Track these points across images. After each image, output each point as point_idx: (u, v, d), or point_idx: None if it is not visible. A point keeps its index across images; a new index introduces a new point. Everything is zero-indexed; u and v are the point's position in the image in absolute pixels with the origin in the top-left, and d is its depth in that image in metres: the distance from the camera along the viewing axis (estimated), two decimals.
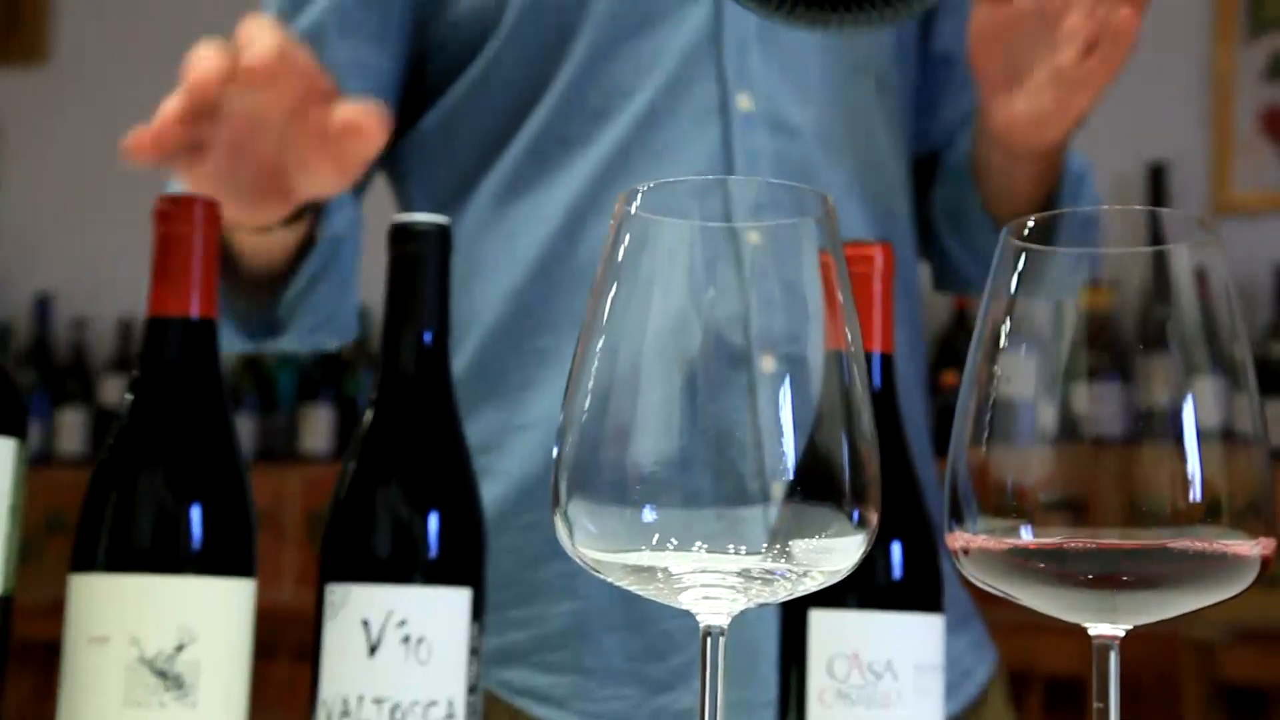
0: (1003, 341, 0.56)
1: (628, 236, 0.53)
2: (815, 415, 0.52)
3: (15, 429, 0.73)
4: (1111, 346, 0.55)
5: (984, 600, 0.67)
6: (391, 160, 1.12)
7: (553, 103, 1.05)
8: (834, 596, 0.76)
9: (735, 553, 0.51)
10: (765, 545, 0.51)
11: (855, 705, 0.77)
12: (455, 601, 0.76)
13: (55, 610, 0.76)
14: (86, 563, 0.74)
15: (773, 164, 1.03)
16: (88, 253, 3.31)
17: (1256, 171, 2.59)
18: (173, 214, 0.77)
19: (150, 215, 0.78)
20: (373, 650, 0.74)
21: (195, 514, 0.75)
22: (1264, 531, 0.54)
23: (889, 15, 0.77)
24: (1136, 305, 0.55)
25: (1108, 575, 0.53)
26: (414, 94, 1.10)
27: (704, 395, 0.51)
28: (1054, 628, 0.60)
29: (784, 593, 0.53)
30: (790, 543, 0.51)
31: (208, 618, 0.73)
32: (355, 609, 0.75)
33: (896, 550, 0.80)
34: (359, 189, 1.07)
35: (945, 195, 1.14)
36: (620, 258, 0.53)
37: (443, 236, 0.81)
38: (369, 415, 0.80)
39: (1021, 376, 0.56)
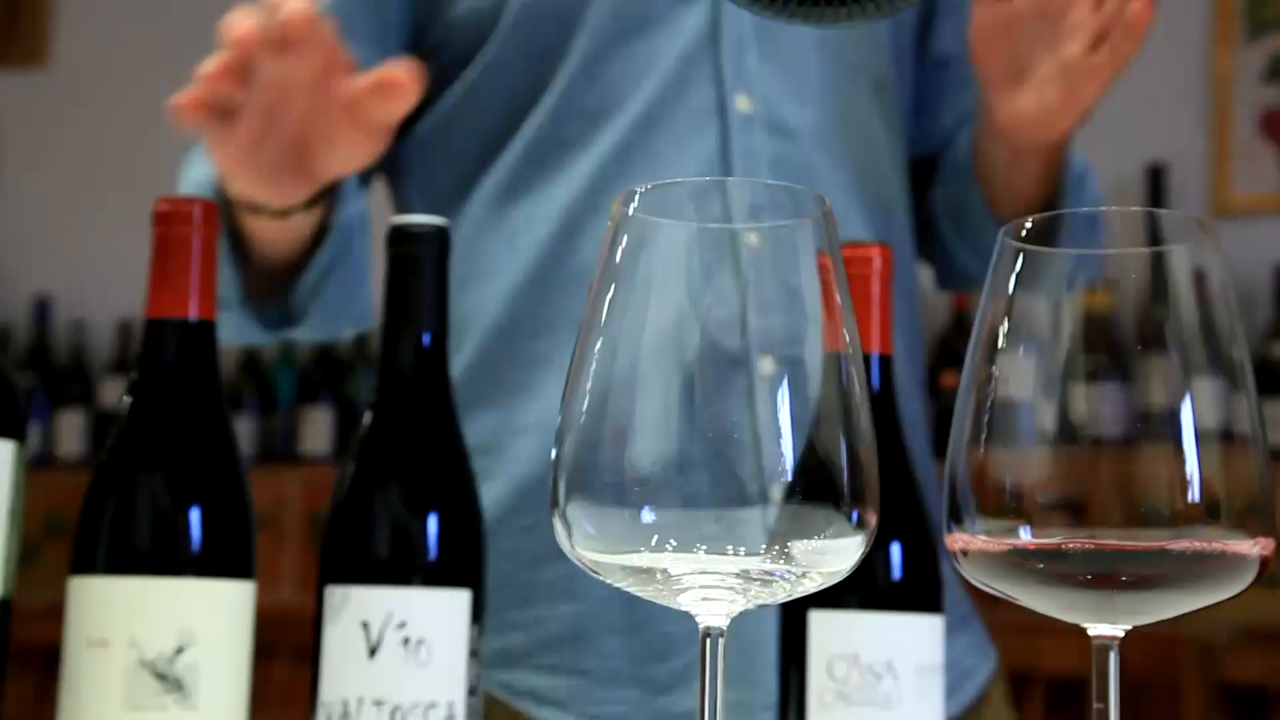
0: (1001, 342, 0.56)
1: (625, 238, 0.53)
2: (814, 416, 0.52)
3: (14, 431, 0.73)
4: (1110, 347, 0.55)
5: (985, 601, 0.67)
6: (389, 162, 1.12)
7: (551, 104, 1.05)
8: (834, 597, 0.76)
9: (734, 554, 0.51)
10: (764, 546, 0.51)
11: (855, 706, 0.77)
12: (455, 603, 0.76)
13: (55, 613, 0.76)
14: (86, 565, 0.74)
15: (771, 165, 1.03)
16: (87, 255, 3.31)
17: (1255, 173, 2.59)
18: (171, 216, 0.77)
19: (149, 217, 0.78)
20: (373, 652, 0.74)
21: (194, 516, 0.75)
22: (1263, 532, 0.54)
23: (885, 8, 0.77)
24: (1135, 306, 0.55)
25: (1107, 576, 0.53)
26: None
27: (702, 397, 0.51)
28: (1055, 628, 0.60)
29: (783, 594, 0.53)
30: (789, 544, 0.51)
31: (207, 620, 0.73)
32: (355, 611, 0.75)
33: (896, 551, 0.80)
34: (364, 178, 1.07)
35: (946, 193, 1.14)
36: (618, 259, 0.53)
37: (441, 238, 0.81)
38: (368, 417, 0.80)
39: (1020, 377, 0.56)
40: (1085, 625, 0.56)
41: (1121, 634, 0.56)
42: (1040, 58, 0.96)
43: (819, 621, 0.78)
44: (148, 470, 0.75)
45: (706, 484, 0.50)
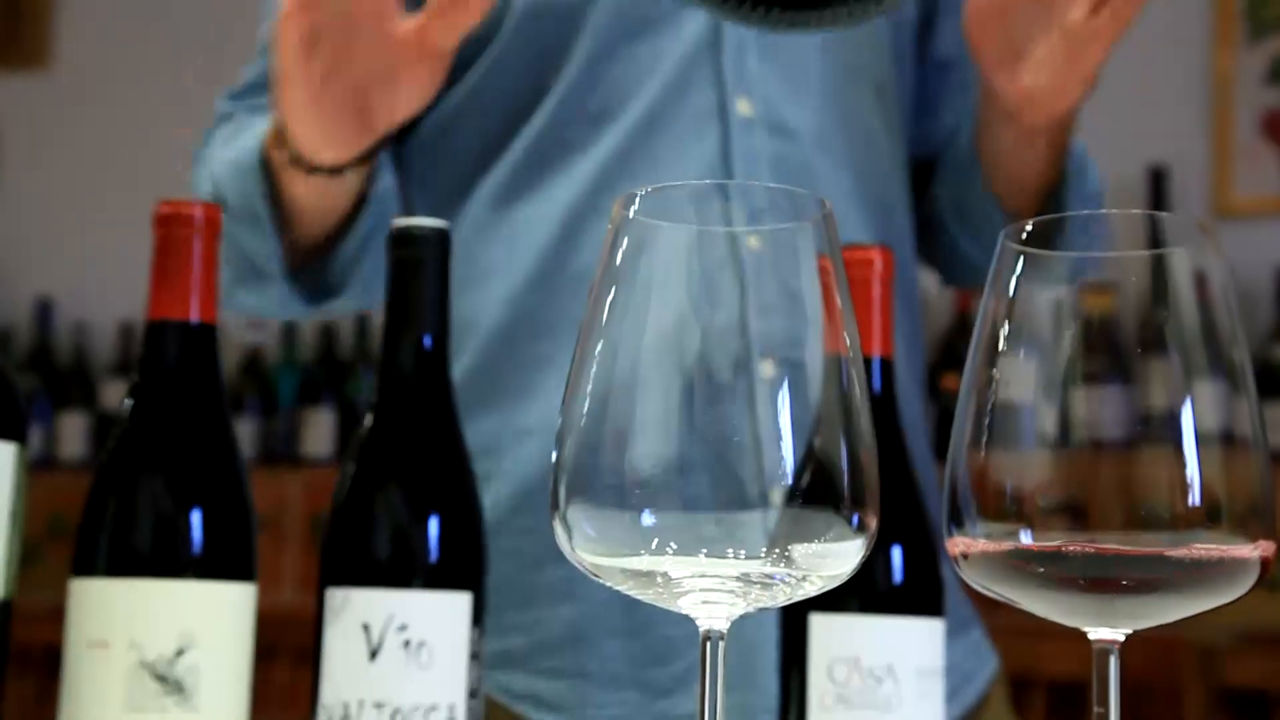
0: (1002, 345, 0.56)
1: (626, 240, 0.53)
2: (814, 420, 0.52)
3: (15, 433, 0.73)
4: (1111, 350, 0.55)
5: (986, 604, 0.67)
6: (394, 159, 1.12)
7: (552, 106, 1.05)
8: (834, 601, 0.76)
9: (735, 557, 0.51)
10: (765, 550, 0.51)
11: (856, 709, 0.77)
12: (456, 605, 0.76)
13: (56, 614, 0.76)
14: (87, 567, 0.74)
15: (771, 168, 1.03)
16: (88, 257, 3.31)
17: (1257, 175, 2.59)
18: (172, 218, 0.77)
19: (150, 219, 0.78)
20: (373, 654, 0.74)
21: (195, 518, 0.75)
22: (1263, 535, 0.54)
23: (872, 10, 0.77)
24: (1136, 309, 0.55)
25: (1107, 579, 0.53)
26: None
27: (703, 400, 0.51)
28: (1057, 631, 0.60)
29: (783, 597, 0.52)
30: (790, 547, 0.51)
31: (208, 622, 0.73)
32: (356, 613, 0.75)
33: (897, 554, 0.80)
34: (397, 139, 1.08)
35: (948, 185, 1.14)
36: (619, 262, 0.53)
37: (442, 240, 0.81)
38: (369, 419, 0.80)
39: (1021, 380, 0.56)
40: (1085, 629, 0.56)
41: (1122, 638, 0.56)
42: (1040, 32, 0.96)
43: (819, 624, 0.78)
44: (149, 472, 0.75)
45: (707, 487, 0.50)
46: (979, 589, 0.57)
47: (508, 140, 1.07)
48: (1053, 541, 0.54)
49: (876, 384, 0.82)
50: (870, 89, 1.10)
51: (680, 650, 1.00)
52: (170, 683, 0.72)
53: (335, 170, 0.95)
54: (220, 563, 0.75)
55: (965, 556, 0.56)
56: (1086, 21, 0.93)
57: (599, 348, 0.52)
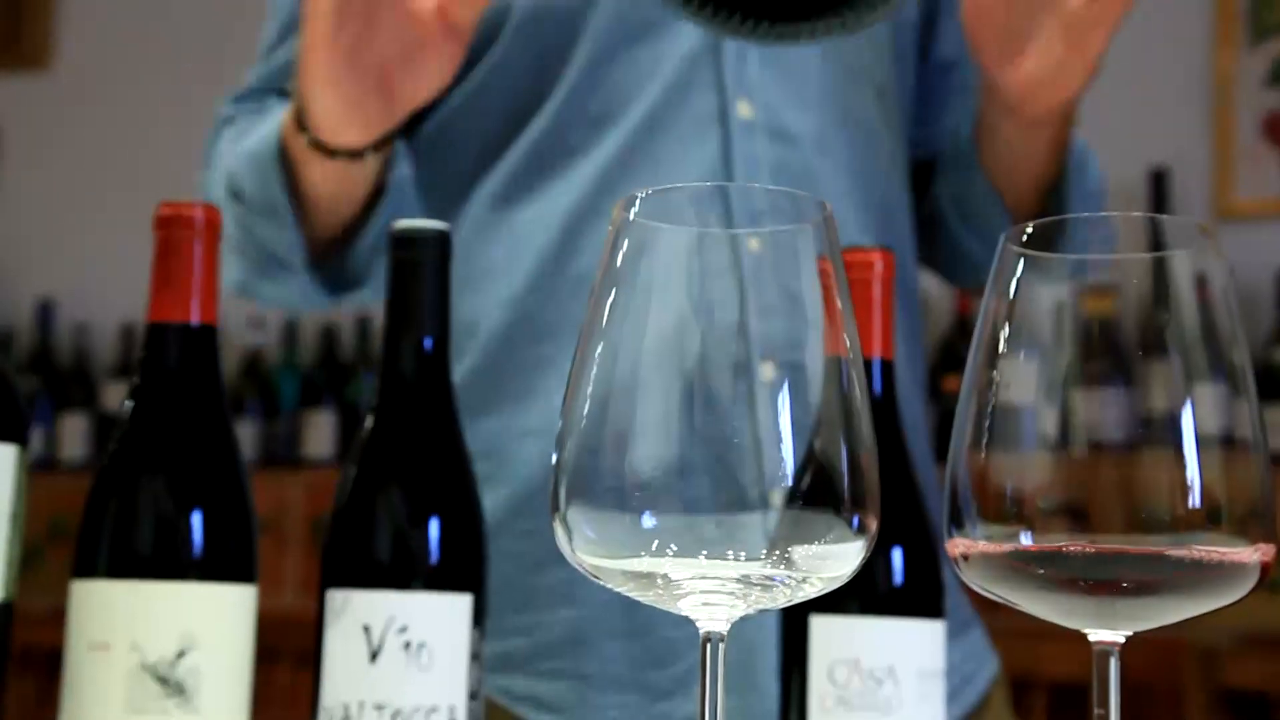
0: (1002, 347, 0.56)
1: (626, 243, 0.53)
2: (815, 421, 0.52)
3: (16, 436, 0.73)
4: (1111, 352, 0.55)
5: (987, 605, 0.67)
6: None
7: (553, 109, 1.05)
8: (835, 602, 0.76)
9: (735, 559, 0.51)
10: (765, 552, 0.51)
11: (856, 711, 0.77)
12: (456, 607, 0.76)
13: (57, 616, 0.76)
14: (88, 569, 0.74)
15: (772, 171, 1.03)
16: (89, 258, 3.31)
17: (1258, 177, 2.59)
18: (173, 220, 0.77)
19: (151, 220, 0.78)
20: (374, 656, 0.74)
21: (196, 520, 0.75)
22: (1263, 538, 0.54)
23: (865, 19, 0.77)
24: (1137, 311, 0.55)
25: (1107, 581, 0.53)
26: None
27: (703, 402, 0.51)
28: (1057, 633, 0.60)
29: (783, 599, 0.52)
30: (790, 549, 0.51)
31: (209, 624, 0.73)
32: (356, 615, 0.75)
33: (897, 556, 0.80)
34: (410, 129, 1.09)
35: (949, 184, 1.14)
36: (619, 264, 0.53)
37: (443, 242, 0.81)
38: (369, 421, 0.80)
39: (1021, 382, 0.56)
40: (1086, 631, 0.56)
41: (1122, 639, 0.56)
42: (1040, 20, 0.95)
43: (820, 626, 0.78)
44: (150, 474, 0.75)
45: (707, 489, 0.50)
46: (979, 591, 0.57)
47: (508, 142, 1.07)
48: (1053, 543, 0.54)
49: (877, 386, 0.82)
50: (871, 91, 1.10)
51: (680, 652, 1.00)
52: (171, 685, 0.72)
53: (355, 154, 0.96)
54: (221, 565, 0.75)
55: (965, 558, 0.56)
56: (1087, 6, 0.93)
57: (599, 350, 0.52)
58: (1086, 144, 1.11)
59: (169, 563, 0.74)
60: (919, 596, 0.80)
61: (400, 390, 0.80)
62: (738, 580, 0.51)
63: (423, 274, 0.80)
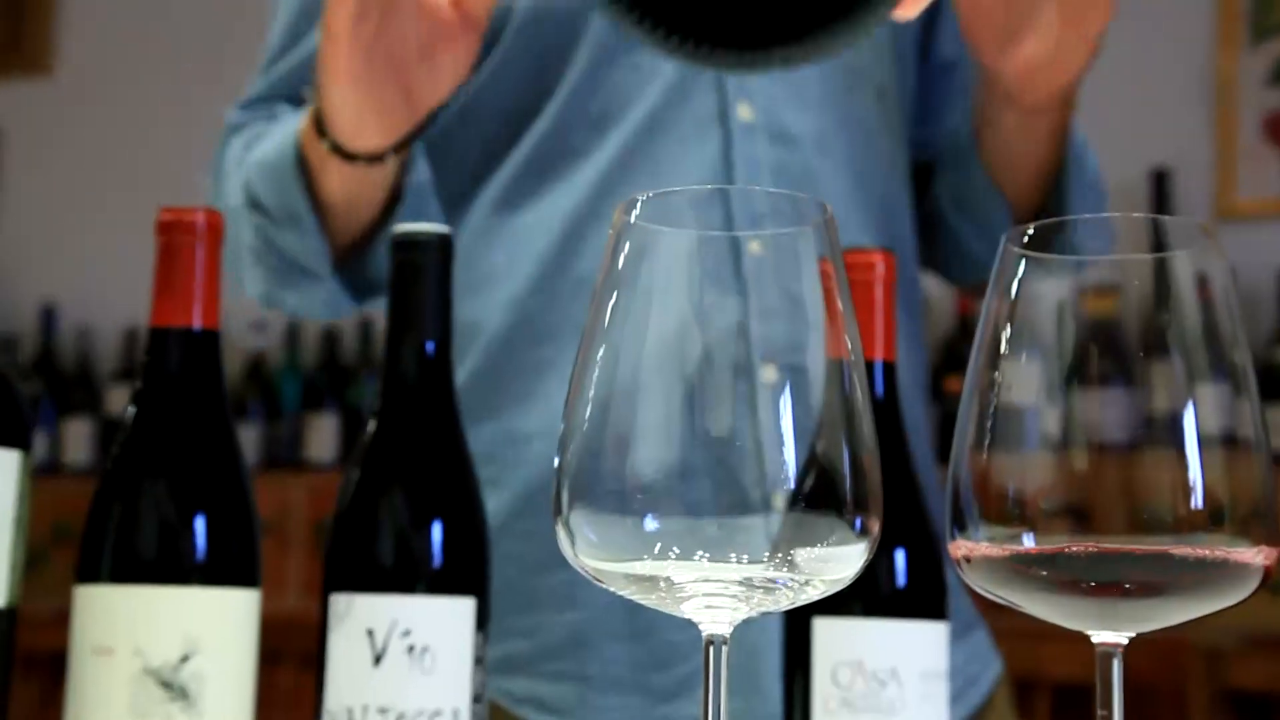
0: (1004, 348, 0.56)
1: (628, 245, 0.53)
2: (816, 424, 0.52)
3: (19, 441, 0.74)
4: (1113, 353, 0.55)
5: (990, 606, 0.67)
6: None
7: (554, 111, 1.05)
8: (838, 604, 0.76)
9: (737, 562, 0.51)
10: (767, 554, 0.51)
11: (860, 713, 0.77)
12: (459, 611, 0.76)
13: (62, 620, 0.76)
14: (91, 574, 0.74)
15: (773, 173, 1.03)
16: (92, 262, 3.32)
17: (1260, 178, 2.59)
18: (174, 225, 0.78)
19: (154, 224, 0.78)
20: (377, 660, 0.74)
21: (199, 524, 0.75)
22: (1266, 539, 0.54)
23: (842, 41, 0.76)
24: (1138, 311, 0.55)
25: (1110, 583, 0.53)
26: None
27: (705, 404, 0.51)
28: (1061, 634, 0.60)
29: (786, 602, 0.52)
30: (792, 551, 0.51)
31: (212, 628, 0.73)
32: (360, 618, 0.75)
33: (900, 558, 0.80)
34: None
35: (949, 180, 1.14)
36: (620, 267, 0.53)
37: (444, 245, 0.81)
38: (372, 424, 0.80)
39: (1023, 383, 0.56)
40: (1088, 632, 0.56)
41: (1125, 641, 0.56)
42: (1036, 4, 0.95)
43: (823, 628, 0.78)
44: (152, 479, 0.76)
45: (709, 492, 0.50)
46: (981, 592, 0.57)
47: (509, 146, 1.07)
48: (1055, 545, 0.54)
49: (879, 387, 0.82)
50: (871, 92, 1.10)
51: (683, 655, 1.00)
52: (175, 689, 0.72)
53: (375, 157, 0.96)
54: (224, 569, 0.75)
55: (968, 560, 0.56)
56: None
57: (601, 353, 0.52)
58: (1085, 138, 1.11)
59: (172, 567, 0.74)
60: (922, 598, 0.80)
61: (402, 393, 0.80)
62: (740, 583, 0.51)
63: (425, 277, 0.80)
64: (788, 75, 1.06)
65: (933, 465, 1.09)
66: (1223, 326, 0.55)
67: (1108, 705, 0.56)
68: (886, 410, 0.81)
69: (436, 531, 0.77)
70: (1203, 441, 0.53)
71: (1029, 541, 0.54)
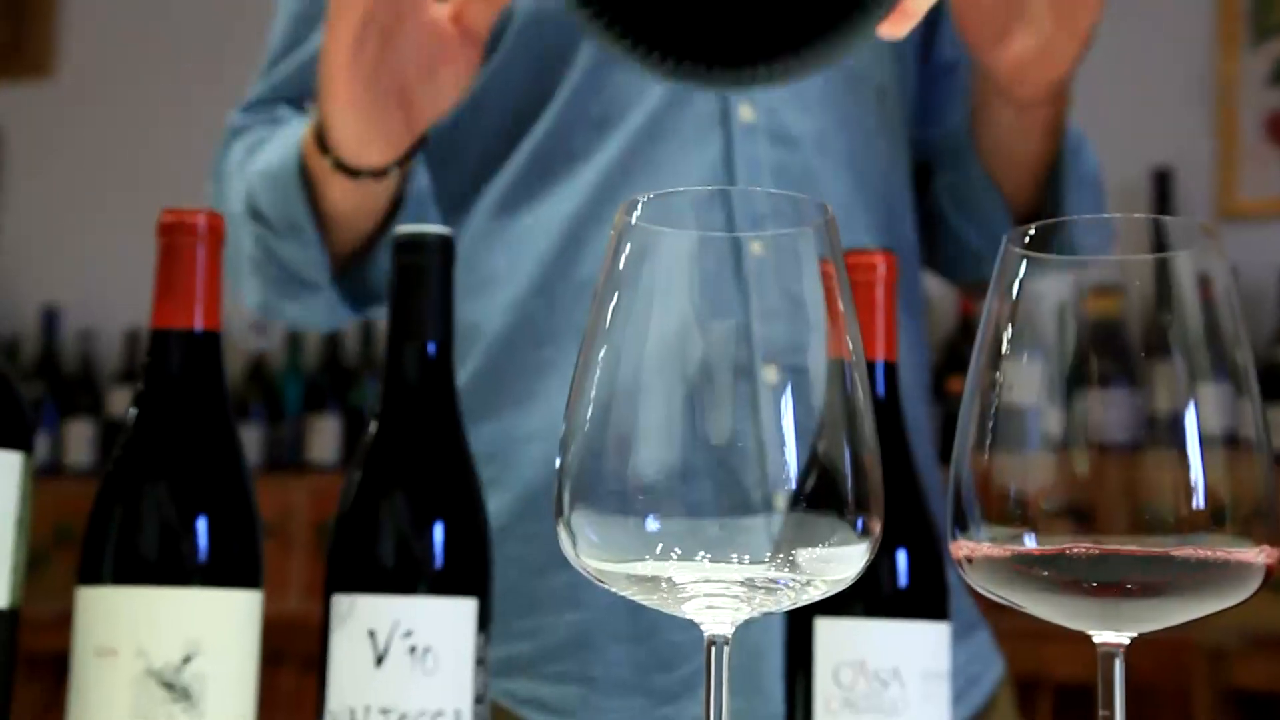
0: (1005, 348, 0.56)
1: (629, 246, 0.53)
2: (818, 424, 0.52)
3: (21, 442, 0.74)
4: (1114, 353, 0.55)
5: (992, 607, 0.67)
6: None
7: (555, 113, 1.05)
8: (840, 604, 0.76)
9: (739, 562, 0.51)
10: (769, 555, 0.51)
11: (862, 713, 0.77)
12: (461, 611, 0.76)
13: (64, 621, 0.76)
14: (93, 575, 0.74)
15: (774, 174, 1.03)
16: (94, 264, 3.32)
17: (1261, 178, 2.59)
18: (176, 227, 0.78)
19: (155, 226, 0.78)
20: (379, 661, 0.74)
21: (201, 526, 0.75)
22: (1268, 539, 0.54)
23: (835, 55, 0.76)
24: (1140, 312, 0.55)
25: (1111, 583, 0.53)
26: None
27: (706, 405, 0.51)
28: (1063, 634, 0.60)
29: (788, 602, 0.53)
30: (794, 552, 0.51)
31: (214, 629, 0.73)
32: (362, 619, 0.75)
33: (902, 558, 0.80)
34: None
35: (947, 177, 1.14)
36: (622, 268, 0.53)
37: (446, 247, 0.81)
38: (374, 426, 0.80)
39: (1024, 383, 0.56)
40: (1090, 632, 0.56)
41: (1126, 641, 0.56)
42: (1028, 1, 0.95)
43: (825, 628, 0.78)
44: (154, 480, 0.76)
45: (710, 492, 0.51)
46: (983, 593, 0.57)
47: (511, 147, 1.07)
48: (1057, 545, 0.54)
49: (880, 388, 0.82)
50: (871, 93, 1.10)
51: (685, 655, 1.00)
52: (177, 690, 0.72)
53: (379, 172, 0.96)
54: (226, 570, 0.75)
55: (969, 560, 0.56)
56: None
57: (602, 354, 0.52)
58: (1082, 134, 1.11)
59: (174, 568, 0.74)
60: (924, 598, 0.80)
61: (404, 395, 0.80)
62: (742, 583, 0.51)
63: (426, 279, 0.80)
64: None
65: (934, 465, 1.09)
66: (1224, 326, 0.55)
67: (1110, 705, 0.56)
68: (888, 410, 0.81)
69: (438, 532, 0.78)
70: (1204, 441, 0.53)
71: (1030, 542, 0.54)
